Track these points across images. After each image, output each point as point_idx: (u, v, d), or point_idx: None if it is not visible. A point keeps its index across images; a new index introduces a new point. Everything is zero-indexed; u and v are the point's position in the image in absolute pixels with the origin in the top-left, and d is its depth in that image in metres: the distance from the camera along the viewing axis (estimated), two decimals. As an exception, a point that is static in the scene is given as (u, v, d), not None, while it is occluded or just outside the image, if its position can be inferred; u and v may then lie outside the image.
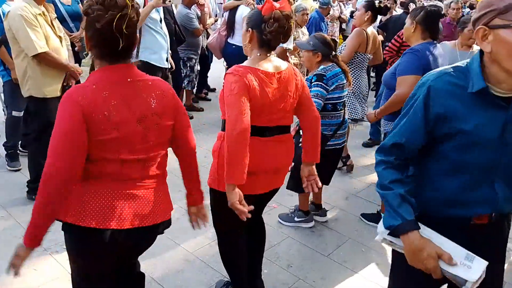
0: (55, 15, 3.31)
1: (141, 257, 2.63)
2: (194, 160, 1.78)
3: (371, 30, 3.93)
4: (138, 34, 1.53)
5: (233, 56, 4.76)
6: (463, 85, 1.27)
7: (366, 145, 4.96)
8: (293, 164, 2.76)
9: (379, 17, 6.25)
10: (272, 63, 1.96)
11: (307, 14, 5.16)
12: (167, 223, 1.71)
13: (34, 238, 1.42)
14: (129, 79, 1.47)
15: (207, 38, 5.62)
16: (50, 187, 1.36)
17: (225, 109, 1.87)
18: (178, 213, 3.07)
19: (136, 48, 3.69)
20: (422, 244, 1.29)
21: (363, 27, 3.85)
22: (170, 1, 3.72)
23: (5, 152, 3.80)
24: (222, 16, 5.57)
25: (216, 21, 6.13)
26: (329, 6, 6.06)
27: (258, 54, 1.94)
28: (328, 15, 6.42)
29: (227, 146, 1.81)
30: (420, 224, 1.33)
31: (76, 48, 4.49)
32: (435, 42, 2.71)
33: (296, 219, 3.16)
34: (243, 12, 4.85)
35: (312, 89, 2.77)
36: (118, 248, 1.55)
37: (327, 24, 6.48)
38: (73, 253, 1.59)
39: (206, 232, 2.94)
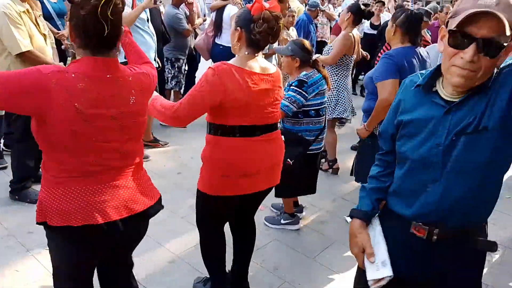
0: (40, 13, 3.26)
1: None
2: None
3: (356, 32, 4.05)
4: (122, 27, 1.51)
5: (221, 56, 4.73)
6: (417, 82, 1.38)
7: (354, 148, 5.00)
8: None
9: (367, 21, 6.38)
10: (259, 64, 1.96)
11: (293, 16, 5.18)
12: (158, 206, 1.69)
13: None
14: (108, 75, 1.43)
15: (195, 39, 5.60)
16: None
17: (185, 97, 1.88)
18: (163, 214, 3.05)
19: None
20: (357, 232, 1.49)
21: (348, 30, 3.95)
22: (160, 2, 3.69)
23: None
24: (210, 16, 5.55)
25: (204, 21, 6.11)
26: (318, 8, 6.08)
27: (246, 53, 1.93)
28: (320, 15, 6.48)
29: (165, 115, 1.89)
30: (374, 220, 1.51)
31: (62, 46, 4.43)
32: (414, 46, 2.69)
33: (282, 221, 3.16)
34: (230, 11, 4.84)
35: (288, 93, 2.76)
36: (110, 241, 1.55)
37: (317, 26, 6.53)
38: (59, 255, 1.57)
39: (192, 234, 2.93)
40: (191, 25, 5.32)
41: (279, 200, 3.30)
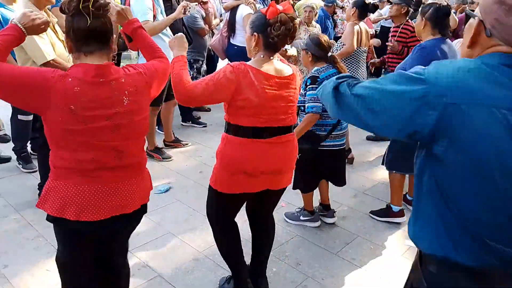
0: (56, 19, 3.35)
1: (151, 257, 2.67)
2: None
3: (363, 25, 4.20)
4: (113, 24, 1.63)
5: (236, 56, 4.75)
6: None
7: (370, 138, 4.93)
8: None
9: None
10: (274, 66, 1.99)
11: (311, 11, 5.15)
12: (144, 209, 1.81)
13: None
14: (101, 80, 1.53)
15: (211, 38, 5.63)
16: None
17: (201, 83, 1.92)
18: (186, 213, 3.12)
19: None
20: None
21: (354, 21, 4.12)
22: (189, 12, 3.75)
23: (16, 156, 3.86)
24: (225, 16, 5.58)
25: (221, 21, 6.14)
26: (334, 4, 6.05)
27: (262, 56, 1.97)
28: (340, 12, 6.43)
29: (180, 88, 1.91)
30: None
31: None
32: (445, 38, 2.78)
33: (301, 218, 3.17)
34: (242, 12, 4.85)
35: (308, 93, 2.79)
36: (98, 236, 1.72)
37: (336, 23, 6.48)
38: (59, 242, 1.76)
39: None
40: (208, 26, 5.37)
41: (300, 198, 3.30)
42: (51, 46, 2.99)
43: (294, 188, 3.08)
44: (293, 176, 2.99)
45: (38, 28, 1.67)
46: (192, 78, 5.30)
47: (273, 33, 1.89)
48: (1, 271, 2.51)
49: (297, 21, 2.00)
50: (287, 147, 2.12)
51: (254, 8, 4.83)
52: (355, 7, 4.13)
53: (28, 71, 1.48)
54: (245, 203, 2.33)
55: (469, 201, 1.06)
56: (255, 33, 1.96)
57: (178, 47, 2.04)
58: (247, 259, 2.40)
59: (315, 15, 5.19)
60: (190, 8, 3.73)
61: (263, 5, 5.63)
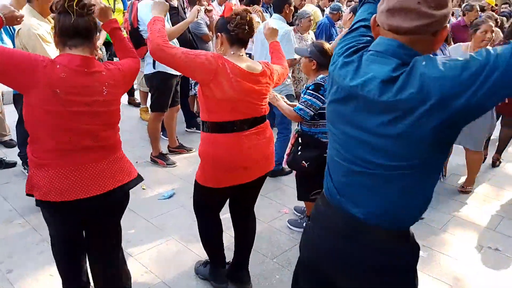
0: None
1: (154, 263, 2.67)
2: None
3: None
4: (96, 21, 1.80)
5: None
6: None
7: None
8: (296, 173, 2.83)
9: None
10: (246, 63, 2.13)
11: (310, 19, 5.17)
12: (136, 180, 1.97)
13: None
14: (85, 70, 1.72)
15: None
16: None
17: (183, 50, 2.03)
18: (190, 219, 3.12)
19: (152, 60, 3.77)
20: None
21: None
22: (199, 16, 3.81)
23: (21, 161, 3.89)
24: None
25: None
26: (339, 11, 6.07)
27: (232, 53, 2.12)
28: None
29: (157, 40, 2.00)
30: None
31: (96, 57, 4.58)
32: (444, 44, 2.74)
33: (304, 224, 3.16)
34: None
35: (304, 96, 2.77)
36: (84, 213, 1.86)
37: (342, 30, 6.48)
38: (49, 223, 1.91)
39: (218, 238, 2.97)
40: (212, 32, 5.41)
41: (302, 203, 3.30)
42: (57, 51, 3.01)
43: (300, 199, 3.07)
44: (298, 188, 3.02)
45: (15, 20, 1.88)
46: (196, 83, 5.37)
47: (232, 26, 2.07)
48: (6, 275, 2.52)
49: (254, 15, 2.19)
50: (264, 135, 2.24)
51: (260, 16, 4.86)
52: (352, 13, 4.24)
53: (23, 53, 1.67)
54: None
55: None
56: (218, 33, 2.15)
57: (158, 10, 2.22)
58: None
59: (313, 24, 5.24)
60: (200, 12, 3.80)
61: (267, 12, 5.66)
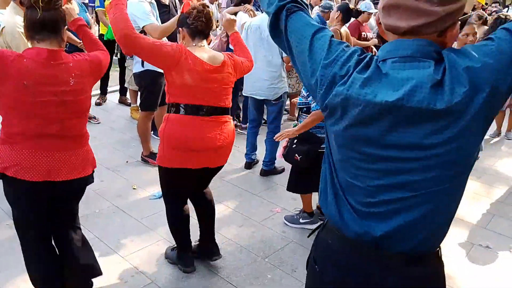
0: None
1: (145, 263, 2.65)
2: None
3: (344, 29, 4.54)
4: (63, 15, 1.90)
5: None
6: None
7: None
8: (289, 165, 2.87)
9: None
10: (207, 53, 2.27)
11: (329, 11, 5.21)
12: (86, 180, 2.06)
13: None
14: (52, 62, 1.82)
15: (209, 44, 5.63)
16: None
17: (149, 39, 2.15)
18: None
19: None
20: None
21: (337, 27, 4.42)
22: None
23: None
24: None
25: (217, 27, 6.16)
26: (331, 10, 6.06)
27: (194, 45, 2.27)
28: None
29: (123, 27, 2.04)
30: None
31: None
32: None
33: (301, 220, 3.16)
34: (241, 18, 4.87)
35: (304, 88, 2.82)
36: (36, 196, 1.94)
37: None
38: (9, 202, 2.01)
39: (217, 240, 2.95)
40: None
41: (294, 203, 3.30)
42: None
43: (289, 189, 3.11)
44: (288, 179, 3.05)
45: None
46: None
47: (191, 20, 2.23)
48: (-7, 277, 2.48)
49: (210, 9, 2.31)
50: (224, 127, 2.36)
51: (252, 15, 4.84)
52: (339, 11, 4.36)
53: None
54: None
55: None
56: (179, 29, 2.31)
57: None
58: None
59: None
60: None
61: (259, 10, 5.65)
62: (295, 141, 2.92)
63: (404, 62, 1.01)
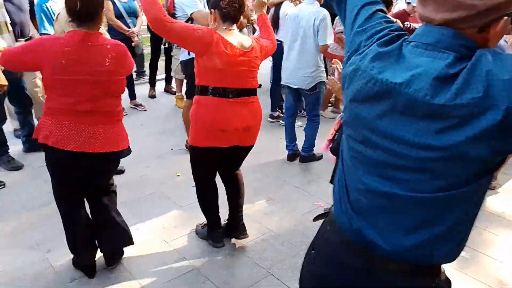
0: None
1: (188, 249, 2.67)
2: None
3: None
4: (101, 8, 2.07)
5: (279, 52, 4.70)
6: None
7: None
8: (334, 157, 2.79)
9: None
10: (236, 37, 2.34)
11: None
12: (119, 154, 2.23)
13: None
14: (89, 43, 2.02)
15: (253, 33, 5.60)
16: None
17: (181, 23, 2.26)
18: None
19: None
20: None
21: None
22: None
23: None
24: (268, 12, 5.53)
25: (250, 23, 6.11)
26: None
27: (224, 28, 2.33)
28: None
29: (156, 12, 2.11)
30: None
31: (133, 44, 4.64)
32: None
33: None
34: (285, 9, 4.80)
35: None
36: (71, 165, 2.14)
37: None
38: (48, 170, 2.23)
39: (252, 229, 2.94)
40: (247, 20, 5.35)
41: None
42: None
43: (332, 182, 3.02)
44: (334, 172, 2.97)
45: None
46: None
47: (224, 4, 2.27)
48: (45, 255, 2.60)
49: None
50: (252, 107, 2.45)
51: (298, 4, 4.75)
52: None
53: (31, 42, 2.06)
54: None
55: None
56: (211, 10, 2.35)
57: None
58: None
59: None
60: None
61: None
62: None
63: (424, 49, 0.93)
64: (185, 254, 2.67)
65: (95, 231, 2.40)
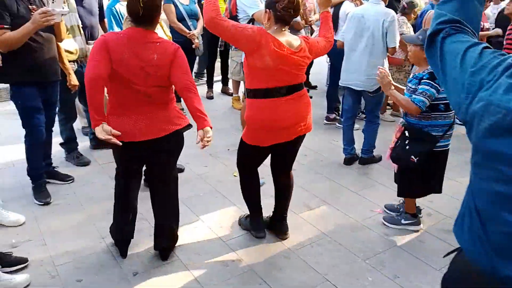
0: (164, 17, 3.53)
1: (244, 250, 2.69)
2: (192, 93, 2.30)
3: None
4: (159, 11, 2.26)
5: (337, 53, 4.62)
6: None
7: None
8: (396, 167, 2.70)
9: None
10: (286, 38, 2.40)
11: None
12: (172, 136, 2.37)
13: (93, 119, 2.13)
14: (143, 40, 2.20)
15: (311, 34, 5.55)
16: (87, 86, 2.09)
17: (232, 22, 2.37)
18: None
19: None
20: None
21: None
22: None
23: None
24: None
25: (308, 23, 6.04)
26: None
27: (275, 28, 2.39)
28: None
29: (211, 11, 2.29)
30: None
31: (193, 45, 4.76)
32: None
33: (403, 221, 2.98)
34: (346, 8, 4.71)
35: (420, 86, 2.62)
36: (137, 153, 2.38)
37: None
38: (115, 161, 2.54)
39: (308, 232, 2.91)
40: (306, 21, 5.31)
41: (393, 201, 3.11)
42: (161, 33, 3.15)
43: (401, 195, 2.97)
44: (400, 184, 2.89)
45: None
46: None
47: (279, 7, 2.32)
48: (109, 248, 2.72)
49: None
50: (302, 101, 2.52)
51: (359, 5, 4.65)
52: None
53: (97, 41, 2.22)
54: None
55: None
56: (266, 9, 2.40)
57: None
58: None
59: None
60: None
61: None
62: (407, 141, 2.72)
63: None
64: (242, 254, 2.69)
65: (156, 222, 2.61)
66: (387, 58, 3.85)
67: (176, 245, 2.70)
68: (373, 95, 3.84)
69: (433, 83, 2.58)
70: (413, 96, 2.62)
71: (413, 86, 2.69)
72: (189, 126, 2.46)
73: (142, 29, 2.21)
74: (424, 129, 2.68)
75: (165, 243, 2.61)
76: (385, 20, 3.61)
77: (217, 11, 2.29)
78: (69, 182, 3.54)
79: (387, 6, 3.85)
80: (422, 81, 2.62)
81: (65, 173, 3.59)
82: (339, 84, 4.15)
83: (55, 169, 3.58)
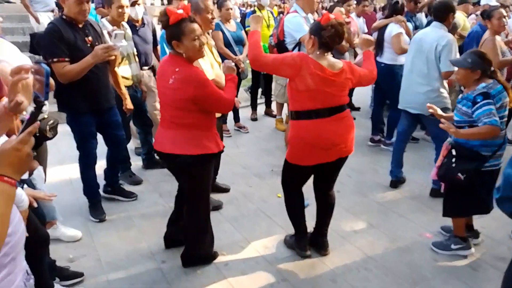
0: (213, 42, 3.68)
1: (290, 272, 2.73)
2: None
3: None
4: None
5: (384, 74, 4.60)
6: None
7: None
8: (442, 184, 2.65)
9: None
10: (328, 61, 2.50)
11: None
12: (185, 157, 2.46)
13: None
14: (170, 65, 2.39)
15: (355, 58, 5.57)
16: None
17: (271, 56, 2.61)
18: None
19: None
20: None
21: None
22: None
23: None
24: (373, 36, 5.47)
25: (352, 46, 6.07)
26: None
27: (318, 53, 2.49)
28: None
29: (255, 51, 2.54)
30: None
31: (240, 70, 4.93)
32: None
33: (452, 246, 2.89)
34: (392, 30, 4.70)
35: (483, 109, 2.57)
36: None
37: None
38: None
39: (354, 256, 2.89)
40: (350, 44, 5.35)
41: (449, 222, 3.03)
42: (210, 66, 3.29)
43: (446, 214, 2.90)
44: (445, 202, 2.84)
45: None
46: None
47: (325, 35, 2.42)
48: (160, 265, 2.83)
49: (346, 28, 2.49)
50: (343, 122, 2.58)
51: (405, 27, 4.64)
52: None
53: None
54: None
55: None
56: (311, 36, 2.49)
57: (254, 24, 2.67)
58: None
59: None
60: None
61: (411, 22, 5.37)
62: (454, 159, 2.69)
63: None
64: (287, 275, 2.71)
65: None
66: (443, 82, 3.76)
67: (223, 263, 2.78)
68: (433, 118, 3.76)
69: (491, 101, 2.57)
70: (484, 120, 2.54)
71: (466, 109, 2.65)
72: (192, 158, 2.44)
73: (171, 55, 2.48)
74: (474, 148, 2.64)
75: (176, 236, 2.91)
76: (438, 44, 3.56)
77: (259, 49, 2.51)
78: (133, 199, 3.72)
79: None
80: (481, 103, 2.57)
81: (130, 191, 3.79)
82: (398, 106, 4.07)
83: (121, 185, 3.79)
